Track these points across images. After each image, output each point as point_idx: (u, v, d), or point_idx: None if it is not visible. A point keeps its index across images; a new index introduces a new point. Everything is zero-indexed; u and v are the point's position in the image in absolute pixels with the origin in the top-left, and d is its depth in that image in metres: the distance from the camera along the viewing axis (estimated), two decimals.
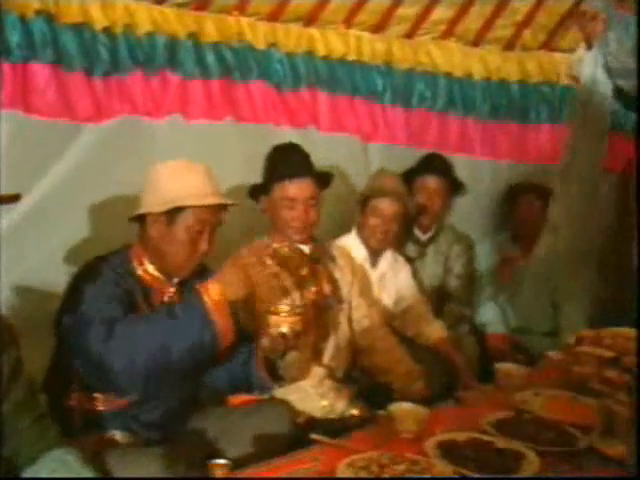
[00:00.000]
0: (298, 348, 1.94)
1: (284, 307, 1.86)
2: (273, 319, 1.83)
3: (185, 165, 2.01)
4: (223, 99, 2.79)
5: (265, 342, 1.90)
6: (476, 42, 3.47)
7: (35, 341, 1.91)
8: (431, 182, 3.04)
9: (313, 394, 2.25)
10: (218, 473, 1.47)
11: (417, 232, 3.11)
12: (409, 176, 3.08)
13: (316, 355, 2.38)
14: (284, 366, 1.94)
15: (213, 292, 1.80)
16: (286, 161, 2.40)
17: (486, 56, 3.48)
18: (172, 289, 2.01)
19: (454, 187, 3.10)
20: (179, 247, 1.94)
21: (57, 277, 2.17)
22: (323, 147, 2.97)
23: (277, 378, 1.98)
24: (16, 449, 1.53)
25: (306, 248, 2.43)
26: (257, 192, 2.45)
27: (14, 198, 1.47)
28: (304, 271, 2.40)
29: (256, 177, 2.66)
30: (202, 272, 2.02)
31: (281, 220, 2.38)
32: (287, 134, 2.89)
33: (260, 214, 2.48)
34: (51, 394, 1.91)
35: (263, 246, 1.79)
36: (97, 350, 1.74)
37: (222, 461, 1.50)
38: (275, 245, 2.17)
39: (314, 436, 1.85)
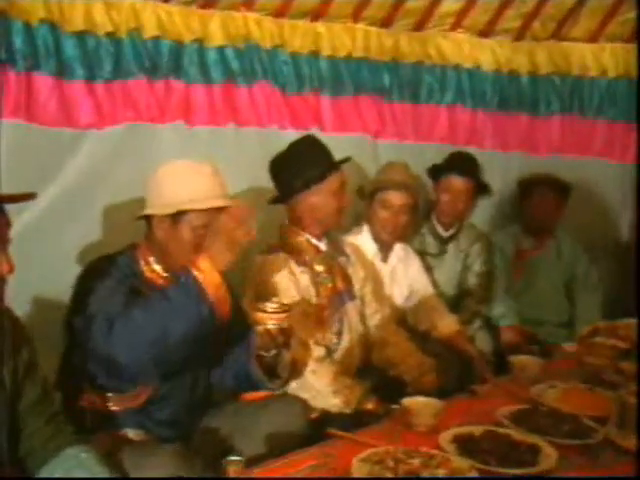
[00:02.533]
0: (290, 346, 1.93)
1: (270, 304, 1.84)
2: (259, 316, 1.82)
3: (191, 165, 2.00)
4: (226, 104, 2.79)
5: (254, 339, 1.89)
6: (485, 33, 3.44)
7: (47, 343, 1.91)
8: (457, 182, 3.01)
9: (326, 392, 2.23)
10: (232, 470, 1.46)
11: (439, 229, 3.09)
12: (435, 173, 3.06)
13: (328, 352, 2.36)
14: (280, 365, 1.93)
15: (203, 266, 1.77)
16: (309, 157, 2.40)
17: (495, 47, 3.46)
18: None
19: (479, 188, 3.07)
20: (185, 248, 1.93)
21: (65, 282, 2.16)
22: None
23: (273, 376, 1.96)
24: (31, 448, 1.54)
25: (321, 244, 2.43)
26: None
27: (29, 196, 1.47)
28: (320, 267, 2.40)
29: (260, 182, 2.68)
30: None
31: (303, 216, 2.39)
32: (290, 137, 2.87)
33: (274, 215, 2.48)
34: (64, 393, 1.91)
35: (241, 209, 1.78)
36: (101, 346, 1.74)
37: (236, 458, 1.50)
38: None
39: (330, 430, 1.85)
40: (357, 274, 2.54)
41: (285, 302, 1.90)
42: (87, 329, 1.78)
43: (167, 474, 1.50)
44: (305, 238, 2.40)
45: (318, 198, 2.38)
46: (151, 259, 1.99)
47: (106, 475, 1.54)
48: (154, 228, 1.96)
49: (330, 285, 2.41)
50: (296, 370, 2.17)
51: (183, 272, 1.79)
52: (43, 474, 1.52)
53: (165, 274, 1.99)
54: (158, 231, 1.95)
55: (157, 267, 1.99)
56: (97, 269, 1.92)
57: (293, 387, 2.21)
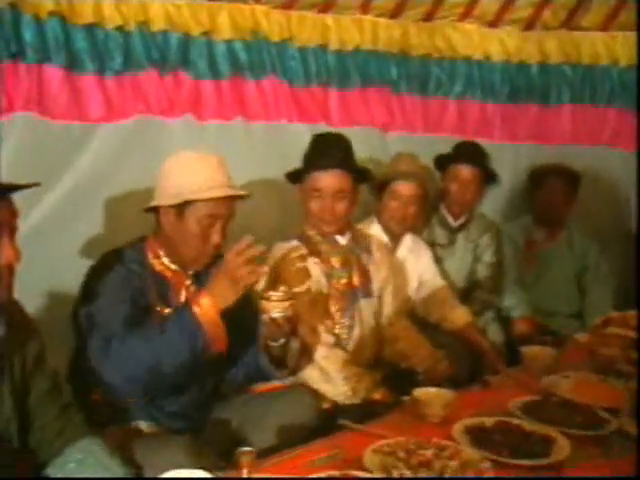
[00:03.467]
0: (297, 335, 1.96)
1: (274, 292, 1.85)
2: (263, 304, 1.83)
3: (197, 157, 2.00)
4: (234, 98, 2.79)
5: (261, 329, 1.90)
6: (495, 23, 3.42)
7: (57, 337, 1.92)
8: (465, 171, 2.99)
9: (336, 378, 2.24)
10: (244, 461, 1.46)
11: (448, 218, 3.08)
12: (442, 163, 3.04)
13: (338, 342, 2.36)
14: (288, 354, 1.96)
15: (205, 305, 1.79)
16: (319, 151, 2.37)
17: (505, 37, 3.44)
18: (188, 281, 2.01)
19: (488, 177, 3.05)
20: (191, 239, 1.94)
21: (77, 275, 2.17)
22: None
23: (280, 366, 1.98)
24: (42, 440, 1.55)
25: (341, 239, 2.42)
26: (295, 180, 2.44)
27: (32, 185, 1.47)
28: (335, 261, 2.39)
29: (268, 175, 2.70)
30: (219, 262, 1.97)
31: (309, 210, 2.37)
32: (299, 130, 2.90)
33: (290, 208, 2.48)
34: (75, 387, 1.92)
35: (245, 245, 1.79)
36: (96, 366, 1.77)
37: (248, 449, 1.49)
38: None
39: (341, 421, 1.85)
40: (379, 273, 2.52)
41: (291, 290, 1.90)
42: (86, 335, 1.82)
43: (178, 466, 1.50)
44: (319, 231, 2.39)
45: (305, 193, 2.37)
46: (160, 252, 2.00)
47: (117, 467, 1.55)
48: (161, 220, 1.97)
49: (345, 280, 2.40)
50: (304, 359, 2.17)
51: (182, 306, 1.82)
52: (55, 466, 1.53)
53: (174, 266, 2.00)
54: (165, 223, 1.96)
55: (166, 260, 2.00)
56: (105, 263, 1.93)
57: (305, 373, 2.23)
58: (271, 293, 1.85)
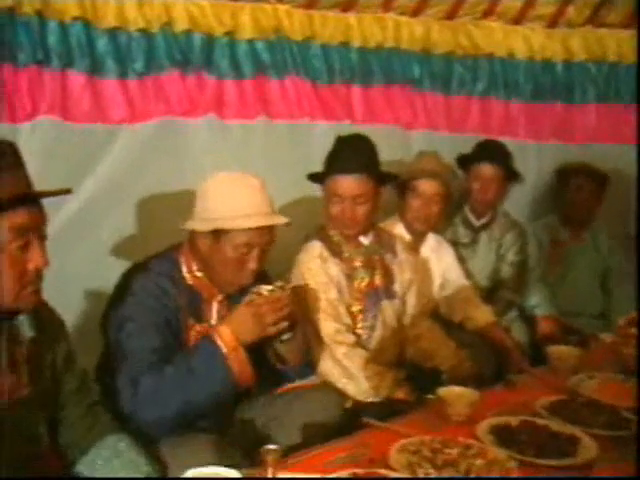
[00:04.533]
0: (297, 329, 1.96)
1: (266, 287, 1.85)
2: (254, 298, 1.85)
3: (235, 180, 1.94)
4: (257, 98, 2.79)
5: None
6: (518, 20, 3.39)
7: (84, 337, 1.95)
8: (487, 170, 2.97)
9: (358, 377, 2.24)
10: (270, 458, 1.47)
11: (471, 217, 3.06)
12: (465, 162, 3.03)
13: (359, 342, 2.36)
14: (284, 348, 1.97)
15: (226, 337, 1.79)
16: (341, 154, 2.33)
17: (529, 35, 3.41)
18: (220, 296, 2.00)
19: (510, 175, 3.03)
20: (227, 265, 1.91)
21: (102, 276, 2.23)
22: None
23: (282, 361, 2.00)
24: (71, 438, 1.57)
25: (364, 239, 2.42)
26: (317, 181, 2.42)
27: (65, 191, 1.50)
28: (357, 262, 2.39)
29: (292, 174, 2.68)
30: (259, 278, 1.97)
31: (330, 212, 2.36)
32: (322, 129, 2.90)
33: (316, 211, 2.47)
34: (103, 385, 1.94)
35: (280, 298, 1.84)
36: (125, 405, 1.76)
37: (274, 446, 1.50)
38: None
39: (366, 419, 1.84)
40: (402, 274, 2.50)
41: (285, 285, 1.90)
42: (118, 356, 1.82)
43: (204, 464, 1.51)
44: (339, 232, 2.39)
45: (326, 196, 2.36)
46: (194, 266, 1.97)
47: (144, 464, 1.57)
48: (197, 241, 1.94)
49: (366, 280, 2.40)
50: (310, 353, 2.18)
51: (209, 342, 1.81)
52: (83, 464, 1.56)
53: (207, 281, 1.98)
54: (201, 245, 1.93)
55: (199, 274, 1.97)
56: (134, 279, 1.91)
57: (326, 371, 2.24)
58: (262, 287, 1.85)
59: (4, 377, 1.39)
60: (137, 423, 1.75)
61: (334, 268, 2.35)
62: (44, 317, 1.53)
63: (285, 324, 1.88)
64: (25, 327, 1.44)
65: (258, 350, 1.96)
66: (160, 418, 1.75)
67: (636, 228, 3.27)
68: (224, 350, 1.78)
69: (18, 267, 1.35)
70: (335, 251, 2.37)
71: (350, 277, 2.37)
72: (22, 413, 1.44)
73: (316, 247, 2.36)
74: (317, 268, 2.32)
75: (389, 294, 2.45)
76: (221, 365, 1.78)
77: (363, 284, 2.39)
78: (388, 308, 2.44)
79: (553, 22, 3.45)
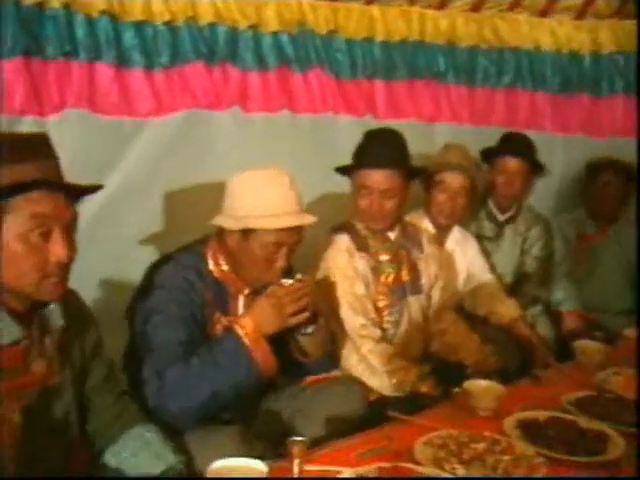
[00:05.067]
0: (319, 321, 1.96)
1: (286, 280, 1.87)
2: (275, 290, 1.86)
3: (266, 177, 1.93)
4: (280, 91, 2.79)
5: None
6: (545, 12, 3.34)
7: (111, 328, 1.96)
8: (511, 163, 2.94)
9: (382, 372, 2.23)
10: (296, 450, 1.47)
11: (495, 211, 3.03)
12: (489, 155, 3.00)
13: (384, 336, 2.36)
14: (307, 341, 1.98)
15: (248, 329, 1.80)
16: (370, 148, 2.33)
17: (556, 27, 3.37)
18: (247, 290, 2.00)
19: (535, 168, 3.00)
20: (255, 262, 1.91)
21: (127, 266, 2.25)
22: None
23: (304, 354, 2.01)
24: (99, 426, 1.58)
25: (391, 234, 2.41)
26: (345, 174, 2.41)
27: (97, 188, 1.50)
28: (384, 256, 2.38)
29: (316, 169, 2.67)
30: (285, 272, 1.97)
31: (357, 206, 2.35)
32: (344, 124, 2.89)
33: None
34: (129, 375, 1.95)
35: (300, 287, 1.85)
36: (150, 397, 1.77)
37: (300, 439, 1.50)
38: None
39: (391, 413, 1.84)
40: (428, 269, 2.49)
41: (306, 277, 1.91)
42: (144, 348, 1.83)
43: (229, 455, 1.52)
44: (366, 225, 2.38)
45: (355, 188, 2.35)
46: (221, 260, 1.98)
47: (170, 455, 1.57)
48: (225, 236, 1.94)
49: (393, 275, 2.39)
50: (333, 347, 2.19)
51: (232, 335, 1.81)
52: (110, 453, 1.57)
53: (233, 275, 1.98)
54: (229, 241, 1.93)
55: (226, 268, 1.98)
56: (160, 273, 1.92)
57: (351, 365, 2.24)
58: (283, 280, 1.86)
59: (35, 365, 1.40)
60: (162, 415, 1.75)
61: (361, 262, 2.34)
62: (73, 306, 1.54)
63: (306, 314, 1.88)
64: (56, 316, 1.44)
65: (280, 343, 1.96)
66: (185, 409, 1.76)
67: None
68: (246, 341, 1.79)
69: (39, 256, 1.34)
70: (362, 245, 2.36)
71: (376, 272, 2.36)
72: (53, 400, 1.46)
73: (343, 241, 2.36)
74: (344, 262, 2.32)
75: (415, 289, 2.44)
76: (244, 356, 1.78)
77: (389, 279, 2.38)
78: (414, 303, 2.44)
79: (581, 14, 3.39)
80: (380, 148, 2.31)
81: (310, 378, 2.09)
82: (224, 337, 1.86)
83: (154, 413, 1.75)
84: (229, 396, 1.81)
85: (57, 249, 1.35)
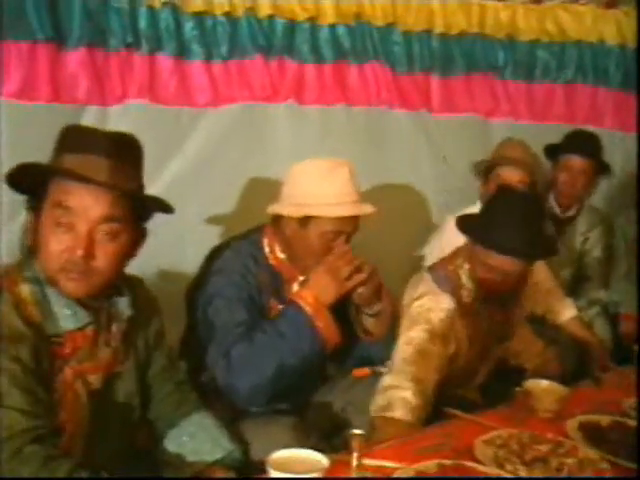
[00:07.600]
0: (381, 301, 1.96)
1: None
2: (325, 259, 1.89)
3: (327, 166, 1.93)
4: (336, 83, 2.78)
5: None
6: (610, 3, 3.26)
7: (167, 316, 1.98)
8: (577, 162, 2.86)
9: None
10: (356, 443, 1.46)
11: (556, 210, 2.96)
12: (553, 152, 2.94)
13: None
14: (371, 321, 1.98)
15: (309, 299, 1.82)
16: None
17: (621, 19, 3.27)
18: (302, 277, 2.00)
19: (600, 168, 2.92)
20: (312, 250, 1.92)
21: (187, 255, 2.30)
22: (436, 130, 2.98)
23: (367, 333, 2.01)
24: (160, 412, 1.61)
25: None
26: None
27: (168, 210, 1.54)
28: None
29: (369, 161, 2.66)
30: None
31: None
32: (399, 117, 2.88)
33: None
34: (187, 362, 1.97)
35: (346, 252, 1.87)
36: (219, 380, 1.80)
37: (359, 431, 1.49)
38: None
39: (450, 410, 1.81)
40: None
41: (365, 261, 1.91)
42: (208, 334, 1.85)
43: (284, 445, 1.52)
44: None
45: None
46: (276, 247, 1.99)
47: (227, 441, 1.58)
48: (283, 224, 1.95)
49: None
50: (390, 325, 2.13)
51: (293, 306, 1.83)
52: (171, 437, 1.59)
53: (288, 262, 1.99)
54: (286, 229, 1.95)
55: (281, 255, 1.99)
56: (221, 259, 1.94)
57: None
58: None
59: (102, 353, 1.43)
60: (233, 396, 1.79)
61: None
62: (142, 296, 1.56)
63: (362, 276, 1.88)
64: (124, 306, 1.47)
65: (345, 322, 1.97)
66: (256, 386, 1.77)
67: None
68: (308, 310, 1.81)
69: (58, 246, 1.31)
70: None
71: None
72: (119, 386, 1.48)
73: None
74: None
75: None
76: (307, 326, 1.81)
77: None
78: None
79: None
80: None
81: (357, 371, 2.08)
82: (286, 310, 1.88)
83: (224, 395, 1.78)
84: (295, 369, 1.81)
85: (71, 244, 1.32)
